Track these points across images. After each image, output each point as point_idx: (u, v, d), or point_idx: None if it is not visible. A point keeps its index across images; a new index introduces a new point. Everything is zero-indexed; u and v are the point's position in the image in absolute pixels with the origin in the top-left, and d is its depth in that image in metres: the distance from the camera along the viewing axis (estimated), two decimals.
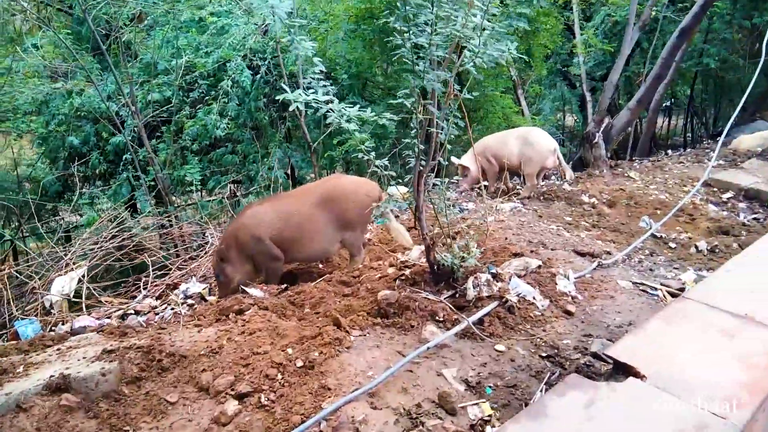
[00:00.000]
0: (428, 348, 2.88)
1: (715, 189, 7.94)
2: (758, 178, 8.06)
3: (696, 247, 5.89)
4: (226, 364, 2.86)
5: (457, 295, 3.56)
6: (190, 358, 2.97)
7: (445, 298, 3.56)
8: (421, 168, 3.54)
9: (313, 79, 3.31)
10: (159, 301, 4.90)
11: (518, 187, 7.80)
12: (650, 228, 6.15)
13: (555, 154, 7.10)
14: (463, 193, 7.57)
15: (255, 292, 4.26)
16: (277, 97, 3.70)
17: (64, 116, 9.43)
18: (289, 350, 2.87)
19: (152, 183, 8.37)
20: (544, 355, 3.06)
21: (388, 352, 2.95)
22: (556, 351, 3.08)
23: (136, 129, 8.25)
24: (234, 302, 3.74)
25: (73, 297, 5.24)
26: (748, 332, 2.67)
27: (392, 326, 3.21)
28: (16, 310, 5.31)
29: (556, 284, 3.78)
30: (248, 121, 9.30)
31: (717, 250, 5.79)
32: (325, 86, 3.31)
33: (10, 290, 5.58)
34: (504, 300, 3.39)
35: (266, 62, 8.84)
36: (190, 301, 4.64)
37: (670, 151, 12.25)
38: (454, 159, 7.58)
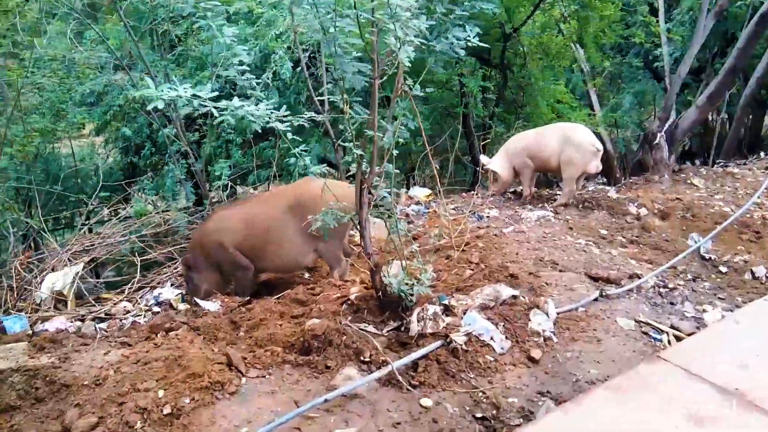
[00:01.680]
0: (326, 400, 2.39)
1: None
2: None
3: (752, 272, 4.94)
4: (99, 401, 2.51)
5: (402, 329, 3.03)
6: (72, 388, 2.65)
7: (388, 331, 3.05)
8: (363, 178, 3.02)
9: (238, 73, 2.88)
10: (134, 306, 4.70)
11: (557, 193, 7.01)
12: (695, 246, 5.23)
13: (599, 157, 6.25)
14: (492, 198, 6.88)
15: (208, 305, 3.92)
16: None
17: (119, 107, 9.58)
18: (161, 392, 2.47)
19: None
20: (479, 416, 2.48)
21: (282, 401, 2.48)
22: (495, 412, 2.49)
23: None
24: (165, 320, 3.42)
25: (64, 294, 5.14)
26: (730, 419, 1.96)
27: (305, 366, 2.73)
28: (11, 305, 5.29)
29: (530, 320, 3.14)
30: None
31: None
32: (249, 80, 2.88)
33: (16, 282, 5.58)
34: (448, 340, 2.82)
35: (307, 54, 8.51)
36: (156, 309, 4.38)
37: (762, 154, 10.82)
38: (483, 159, 6.92)
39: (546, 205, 6.54)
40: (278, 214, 4.17)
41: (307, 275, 4.97)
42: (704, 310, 3.88)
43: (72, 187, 9.81)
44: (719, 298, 4.37)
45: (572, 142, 6.21)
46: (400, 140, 3.05)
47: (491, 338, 2.92)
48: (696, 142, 14.15)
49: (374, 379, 2.60)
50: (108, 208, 9.32)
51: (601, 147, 6.24)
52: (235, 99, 2.53)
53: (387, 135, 2.95)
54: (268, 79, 8.68)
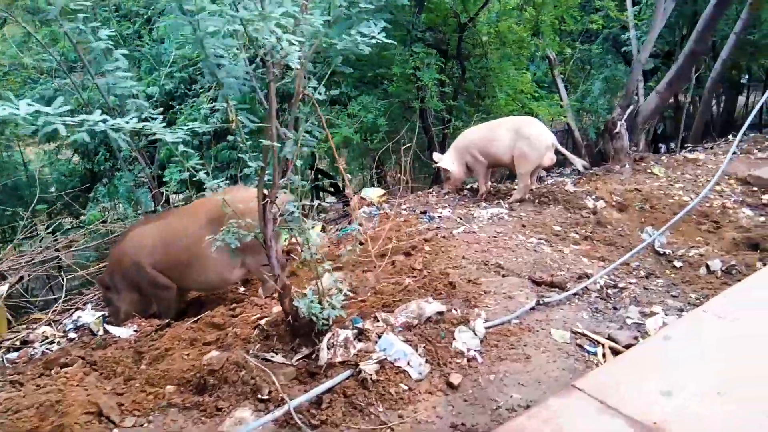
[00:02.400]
0: None
1: (755, 188, 6.60)
2: None
3: (707, 267, 4.75)
4: None
5: (314, 356, 2.76)
6: None
7: (298, 360, 2.78)
8: (266, 192, 2.74)
9: (119, 79, 2.57)
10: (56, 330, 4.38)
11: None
12: (646, 242, 5.04)
13: (552, 150, 6.03)
14: (446, 196, 6.63)
15: (120, 331, 3.63)
16: None
17: (70, 112, 9.15)
18: None
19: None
20: None
21: None
22: None
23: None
24: (60, 354, 3.11)
25: None
26: None
27: (194, 408, 2.46)
28: None
29: (454, 339, 2.90)
30: (249, 113, 8.65)
31: (734, 272, 4.64)
32: (131, 87, 2.57)
33: None
34: (357, 370, 2.56)
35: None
36: (72, 335, 4.07)
37: (730, 136, 10.66)
38: (435, 156, 6.67)
39: (502, 201, 6.30)
40: (198, 229, 3.86)
41: (242, 289, 4.69)
42: (653, 312, 3.67)
43: (24, 196, 9.40)
44: (672, 295, 4.17)
45: (524, 136, 5.97)
46: (306, 149, 2.76)
47: (408, 363, 2.66)
48: (670, 126, 14.04)
49: (270, 421, 2.33)
50: (45, 222, 8.93)
51: (554, 139, 6.01)
52: (97, 111, 2.22)
53: (288, 144, 2.67)
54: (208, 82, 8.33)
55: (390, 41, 2.61)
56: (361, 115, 7.23)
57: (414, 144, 7.75)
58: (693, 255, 4.98)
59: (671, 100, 14.12)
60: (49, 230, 7.45)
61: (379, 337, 2.75)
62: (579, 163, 6.19)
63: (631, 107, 7.84)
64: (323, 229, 6.24)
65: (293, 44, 2.18)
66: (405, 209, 6.19)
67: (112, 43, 2.57)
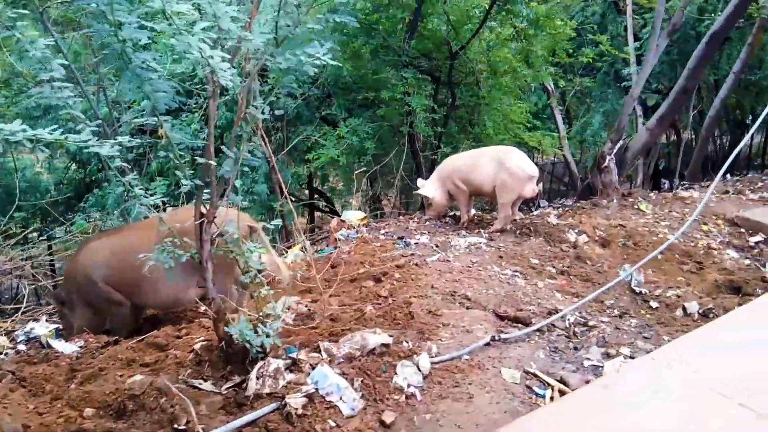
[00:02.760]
0: None
1: (743, 230, 6.47)
2: None
3: (684, 309, 4.62)
4: None
5: (244, 386, 2.64)
6: None
7: (227, 388, 2.66)
8: (203, 212, 2.65)
9: (55, 89, 2.50)
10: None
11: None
12: (619, 278, 4.90)
13: (534, 181, 5.94)
14: (428, 222, 6.53)
15: (64, 347, 3.51)
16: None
17: (65, 121, 9.20)
18: None
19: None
20: None
21: None
22: None
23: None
24: None
25: None
26: None
27: None
28: None
29: (396, 374, 2.77)
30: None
31: (711, 315, 4.50)
32: (65, 97, 2.50)
33: None
34: (283, 403, 2.43)
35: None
36: (22, 347, 3.96)
37: (729, 176, 10.50)
38: (419, 182, 6.58)
39: (483, 230, 6.19)
40: (152, 245, 3.76)
41: (203, 308, 4.56)
42: (618, 353, 3.54)
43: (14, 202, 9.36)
44: (644, 337, 4.03)
45: (506, 166, 5.88)
46: (246, 169, 2.68)
47: (341, 398, 2.53)
48: (673, 162, 13.91)
49: None
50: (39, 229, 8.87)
51: (535, 172, 5.92)
52: (16, 121, 2.15)
53: (226, 163, 2.58)
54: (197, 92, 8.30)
55: (335, 62, 2.53)
56: (348, 138, 7.18)
57: (402, 168, 7.71)
58: (670, 296, 4.84)
59: (674, 137, 14.04)
60: (21, 238, 7.36)
61: (313, 368, 2.63)
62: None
63: (621, 142, 7.76)
64: (303, 249, 6.15)
65: (223, 61, 2.11)
66: (384, 234, 6.08)
67: (50, 52, 2.51)
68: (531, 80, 8.12)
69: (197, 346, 2.90)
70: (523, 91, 10.65)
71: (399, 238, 5.88)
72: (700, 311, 4.56)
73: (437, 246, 5.63)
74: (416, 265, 5.04)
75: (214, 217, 2.67)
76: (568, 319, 4.07)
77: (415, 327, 3.50)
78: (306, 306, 4.16)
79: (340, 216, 6.79)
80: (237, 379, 2.70)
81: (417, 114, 7.29)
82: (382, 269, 5.00)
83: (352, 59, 7.73)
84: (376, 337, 2.92)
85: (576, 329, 3.95)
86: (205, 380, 2.68)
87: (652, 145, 9.39)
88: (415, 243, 5.73)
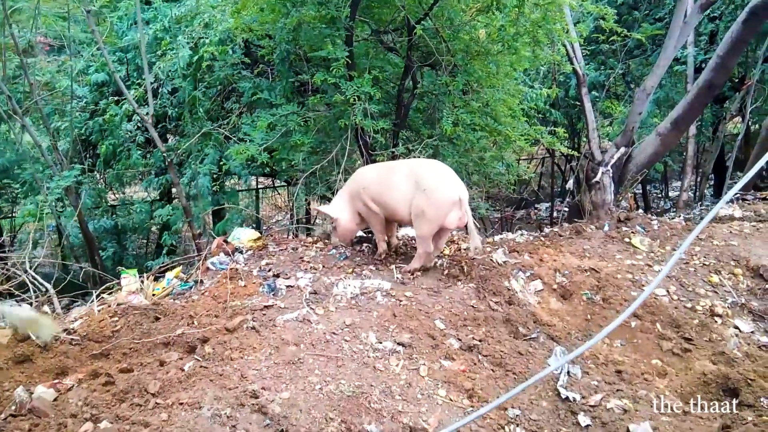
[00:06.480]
0: None
1: None
2: None
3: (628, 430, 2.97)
4: None
5: None
6: None
7: None
8: None
9: None
10: None
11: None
12: (541, 374, 3.28)
13: (461, 207, 4.28)
14: (334, 250, 4.97)
15: None
16: None
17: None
18: None
19: None
20: None
21: None
22: None
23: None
24: None
25: None
26: None
27: None
28: None
29: None
30: (189, 110, 7.29)
31: None
32: None
33: None
34: None
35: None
36: None
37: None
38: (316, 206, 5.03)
39: (397, 270, 4.59)
40: None
41: None
42: None
43: None
44: None
45: (422, 188, 4.27)
46: None
47: None
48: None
49: None
50: None
51: (462, 194, 4.26)
52: None
53: None
54: (160, 69, 7.05)
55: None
56: (281, 127, 5.71)
57: (342, 170, 6.16)
58: (612, 408, 3.16)
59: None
60: None
61: None
62: (473, 242, 4.41)
63: (622, 150, 5.93)
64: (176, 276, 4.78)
65: None
66: (261, 267, 4.59)
67: None
68: (513, 64, 6.31)
69: None
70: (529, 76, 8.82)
71: (275, 275, 4.39)
72: None
73: (314, 293, 4.11)
74: (254, 329, 3.57)
75: None
76: None
77: None
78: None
79: (225, 235, 5.33)
80: None
81: (356, 103, 5.66)
82: (206, 332, 3.55)
83: (294, 31, 6.19)
84: None
85: None
86: None
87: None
88: (288, 286, 4.21)
